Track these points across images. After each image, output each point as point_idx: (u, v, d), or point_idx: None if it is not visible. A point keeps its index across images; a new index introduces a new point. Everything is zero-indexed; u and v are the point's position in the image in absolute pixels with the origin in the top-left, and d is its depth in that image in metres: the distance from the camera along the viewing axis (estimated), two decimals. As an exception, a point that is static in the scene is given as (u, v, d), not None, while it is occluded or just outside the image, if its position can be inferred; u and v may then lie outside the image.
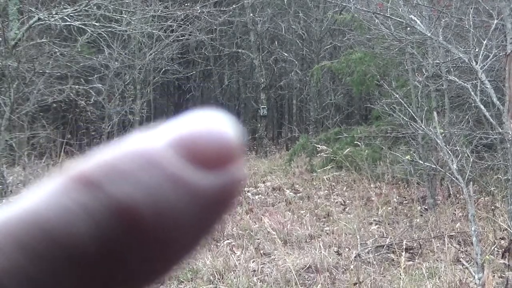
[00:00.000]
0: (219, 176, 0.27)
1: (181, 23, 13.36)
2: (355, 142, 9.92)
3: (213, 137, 0.28)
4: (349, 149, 8.97)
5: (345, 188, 9.51)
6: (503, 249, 4.78)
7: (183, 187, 0.27)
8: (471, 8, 6.00)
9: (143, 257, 0.26)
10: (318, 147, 7.59)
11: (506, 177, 6.05)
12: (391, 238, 6.14)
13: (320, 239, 6.29)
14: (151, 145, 0.27)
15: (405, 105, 6.29)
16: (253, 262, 5.53)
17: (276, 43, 17.68)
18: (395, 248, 5.56)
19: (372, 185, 8.81)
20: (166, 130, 0.28)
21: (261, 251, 5.90)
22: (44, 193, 0.27)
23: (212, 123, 0.28)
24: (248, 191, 9.32)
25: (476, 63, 4.95)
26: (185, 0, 14.19)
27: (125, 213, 0.26)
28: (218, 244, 6.16)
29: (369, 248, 5.86)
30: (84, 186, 0.26)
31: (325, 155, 8.74)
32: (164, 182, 0.26)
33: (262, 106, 16.24)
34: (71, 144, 12.62)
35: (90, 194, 0.26)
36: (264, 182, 10.24)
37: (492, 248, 5.39)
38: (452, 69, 7.34)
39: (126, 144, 0.27)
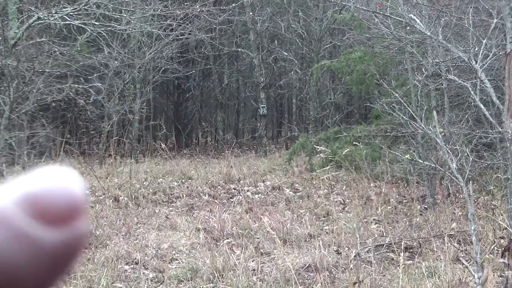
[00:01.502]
0: (62, 232, 0.28)
1: (181, 22, 13.36)
2: (356, 141, 9.93)
3: (58, 195, 0.29)
4: (348, 149, 8.97)
5: (344, 187, 9.51)
6: (503, 248, 4.78)
7: (27, 242, 0.27)
8: (471, 7, 6.00)
9: None
10: (317, 148, 7.59)
11: (505, 176, 6.05)
12: (390, 237, 6.14)
13: (319, 238, 6.29)
14: None
15: (404, 104, 6.29)
16: (252, 261, 5.53)
17: (275, 42, 17.67)
18: (394, 247, 5.57)
19: (371, 184, 8.81)
20: (14, 186, 0.29)
21: (261, 250, 5.89)
22: None
23: (58, 180, 0.29)
24: (248, 190, 9.33)
25: (476, 62, 4.95)
26: (185, -1, 14.17)
27: None
28: (218, 243, 6.16)
29: (369, 247, 5.86)
30: None
31: (323, 155, 8.74)
32: (10, 238, 0.27)
33: (262, 105, 16.24)
34: (71, 143, 12.62)
35: None
36: (263, 182, 10.24)
37: (492, 247, 5.39)
38: (451, 68, 7.34)
39: None
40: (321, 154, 8.76)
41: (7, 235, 0.27)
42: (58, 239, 0.28)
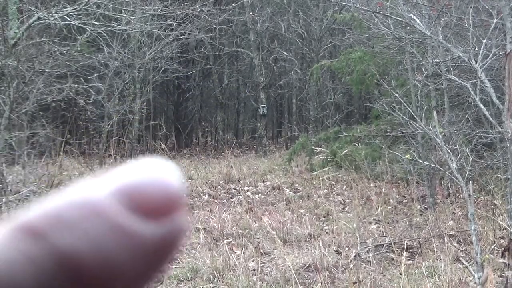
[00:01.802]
0: (161, 226, 0.28)
1: (181, 22, 13.36)
2: (356, 141, 9.94)
3: (156, 187, 0.28)
4: (348, 149, 8.98)
5: (344, 187, 9.51)
6: (503, 248, 4.78)
7: (126, 236, 0.27)
8: (471, 7, 6.00)
9: None
10: (316, 149, 7.60)
11: (505, 176, 6.05)
12: (390, 237, 6.14)
13: (319, 238, 6.29)
14: (95, 194, 0.27)
15: (404, 104, 6.29)
16: (252, 261, 5.53)
17: (275, 42, 17.67)
18: (394, 247, 5.57)
19: (371, 184, 8.81)
20: (110, 179, 0.28)
21: (261, 250, 5.89)
22: None
23: (155, 172, 0.29)
24: (248, 190, 9.33)
25: (476, 62, 4.95)
26: (185, -1, 14.17)
27: (69, 263, 0.26)
28: (218, 243, 6.16)
29: (369, 247, 5.86)
30: (29, 236, 0.26)
31: (322, 156, 8.75)
32: (107, 232, 0.27)
33: (262, 105, 16.23)
34: (71, 143, 12.62)
35: (34, 243, 0.26)
36: (263, 182, 10.24)
37: (492, 247, 5.39)
38: (451, 68, 7.34)
39: (70, 193, 0.28)
40: (320, 155, 8.76)
41: (105, 229, 0.27)
42: (157, 232, 0.27)
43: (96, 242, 0.26)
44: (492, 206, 6.99)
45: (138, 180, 0.28)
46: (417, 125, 5.52)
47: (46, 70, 10.14)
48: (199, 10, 13.11)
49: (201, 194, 9.00)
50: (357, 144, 9.51)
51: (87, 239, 0.26)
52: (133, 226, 0.27)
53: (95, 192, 0.28)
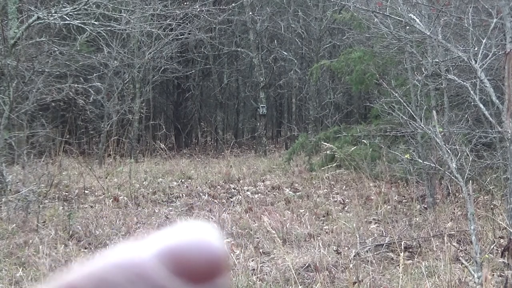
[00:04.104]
0: None
1: (180, 21, 13.37)
2: (356, 141, 9.93)
3: (199, 250, 0.28)
4: (353, 148, 8.98)
5: (344, 187, 9.51)
6: (502, 248, 4.78)
7: None
8: (471, 7, 6.00)
9: None
10: (325, 145, 7.59)
11: (505, 176, 6.05)
12: (390, 237, 6.14)
13: (319, 238, 6.29)
14: (139, 256, 0.27)
15: (404, 104, 6.29)
16: (252, 261, 5.53)
17: (275, 42, 17.67)
18: (394, 247, 5.57)
19: (371, 184, 8.81)
20: (154, 241, 0.28)
21: (261, 250, 5.90)
22: None
23: (198, 235, 0.29)
24: (247, 190, 9.33)
25: (476, 62, 4.95)
26: (184, -1, 14.17)
27: None
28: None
29: (368, 247, 5.86)
30: None
31: (329, 152, 8.73)
32: None
33: (262, 105, 16.23)
34: (70, 143, 12.62)
35: None
36: (263, 181, 10.24)
37: (491, 247, 5.39)
38: (451, 68, 7.34)
39: (114, 255, 0.27)
40: (324, 152, 8.74)
41: None
42: None
43: None
44: (491, 206, 6.99)
45: (182, 243, 0.28)
46: (417, 124, 5.52)
47: (46, 70, 10.14)
48: (198, 9, 13.11)
49: (201, 194, 9.00)
50: (361, 143, 9.51)
51: None
52: None
53: (139, 254, 0.27)
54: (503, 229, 5.91)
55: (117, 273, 0.27)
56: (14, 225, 6.57)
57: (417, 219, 7.10)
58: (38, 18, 9.27)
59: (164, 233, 0.29)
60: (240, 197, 8.40)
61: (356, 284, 4.68)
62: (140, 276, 0.27)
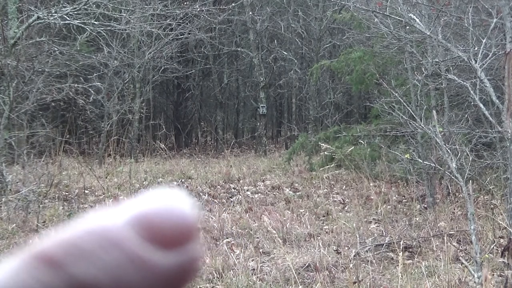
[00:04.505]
0: (177, 255, 0.28)
1: (181, 21, 13.37)
2: (356, 140, 9.93)
3: (171, 216, 0.28)
4: (352, 148, 8.97)
5: (344, 186, 9.51)
6: (502, 248, 4.78)
7: (143, 266, 0.27)
8: (471, 7, 6.00)
9: None
10: (323, 146, 7.59)
11: (505, 176, 6.05)
12: (390, 236, 6.14)
13: (319, 237, 6.29)
14: (112, 223, 0.28)
15: (404, 103, 6.29)
16: (252, 261, 5.53)
17: (275, 41, 17.67)
18: (394, 247, 5.57)
19: (371, 184, 8.81)
20: (126, 208, 0.29)
21: (261, 250, 5.90)
22: (6, 271, 0.27)
23: (170, 202, 0.29)
24: (247, 190, 9.33)
25: (476, 61, 4.95)
26: (184, -1, 14.17)
27: None
28: (218, 243, 6.16)
29: (368, 247, 5.86)
30: (46, 264, 0.27)
31: (327, 153, 8.73)
32: (124, 261, 0.27)
33: (262, 105, 16.23)
34: (70, 143, 12.62)
35: (52, 273, 0.26)
36: (263, 181, 10.24)
37: (491, 246, 5.39)
38: (451, 68, 7.34)
39: (87, 222, 0.28)
40: (324, 152, 8.75)
41: (122, 258, 0.27)
42: (172, 262, 0.28)
43: (113, 271, 0.27)
44: (491, 206, 6.99)
45: (154, 210, 0.28)
46: (417, 124, 5.52)
47: (46, 70, 10.14)
48: (198, 9, 13.11)
49: (201, 194, 9.00)
50: (361, 143, 9.51)
51: (104, 269, 0.26)
52: (149, 255, 0.27)
53: (111, 221, 0.28)
54: (503, 229, 5.91)
55: (90, 240, 0.27)
56: (14, 225, 6.57)
57: (417, 219, 7.10)
58: (38, 18, 9.27)
59: (136, 200, 0.29)
60: (240, 197, 8.40)
61: (356, 284, 4.68)
62: (112, 242, 0.27)
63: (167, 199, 0.29)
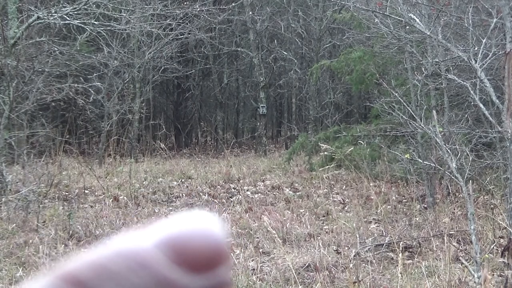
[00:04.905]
0: (206, 279, 0.28)
1: (180, 21, 13.37)
2: (356, 140, 9.93)
3: (201, 240, 0.28)
4: (351, 148, 8.97)
5: (344, 186, 9.51)
6: (502, 248, 4.78)
7: None
8: (471, 7, 6.00)
9: None
10: (322, 146, 7.59)
11: (505, 176, 6.05)
12: (390, 236, 6.14)
13: (319, 237, 6.29)
14: (140, 245, 0.27)
15: (404, 103, 6.29)
16: (252, 260, 5.53)
17: (275, 41, 17.67)
18: (394, 247, 5.57)
19: (371, 184, 8.81)
20: (155, 230, 0.28)
21: (261, 250, 5.90)
22: None
23: (200, 225, 0.29)
24: (247, 190, 9.33)
25: (476, 61, 4.95)
26: (184, -1, 14.17)
27: None
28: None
29: (368, 247, 5.86)
30: (73, 286, 0.26)
31: (327, 153, 8.74)
32: (153, 284, 0.27)
33: (262, 105, 16.23)
34: (70, 143, 12.62)
35: None
36: (263, 181, 10.24)
37: (491, 246, 5.39)
38: (451, 68, 7.34)
39: (114, 244, 0.28)
40: (325, 152, 8.75)
41: (149, 280, 0.26)
42: (200, 286, 0.27)
43: None
44: (491, 206, 6.99)
45: (183, 233, 0.28)
46: (417, 124, 5.52)
47: (46, 70, 10.14)
48: (198, 9, 13.11)
49: (201, 194, 9.00)
50: (361, 143, 9.52)
51: None
52: (178, 279, 0.27)
53: (140, 243, 0.27)
54: (503, 229, 5.91)
55: (118, 262, 0.27)
56: (14, 225, 6.57)
57: (417, 219, 7.10)
58: (38, 18, 9.27)
59: (166, 223, 0.29)
60: (240, 197, 8.40)
61: (356, 284, 4.68)
62: (141, 264, 0.27)
63: (197, 222, 0.29)
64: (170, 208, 8.13)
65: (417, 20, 5.81)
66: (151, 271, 0.27)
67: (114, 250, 0.27)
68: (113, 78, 13.50)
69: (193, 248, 0.28)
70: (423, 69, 7.71)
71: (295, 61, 16.78)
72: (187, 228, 0.28)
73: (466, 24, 5.79)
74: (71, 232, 6.43)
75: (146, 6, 12.22)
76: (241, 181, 10.18)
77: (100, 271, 0.26)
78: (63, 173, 9.87)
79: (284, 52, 16.98)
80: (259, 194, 9.09)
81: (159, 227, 0.28)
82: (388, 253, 5.77)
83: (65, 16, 9.53)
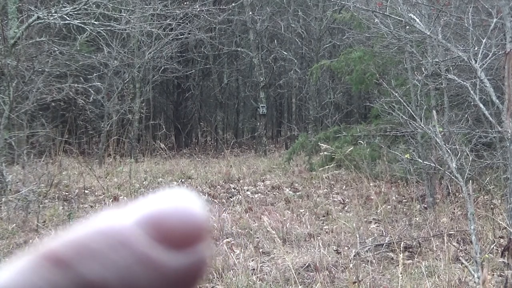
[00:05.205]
0: (186, 256, 0.28)
1: (180, 21, 13.37)
2: (356, 140, 9.93)
3: (181, 217, 0.28)
4: (351, 148, 8.97)
5: (344, 186, 9.51)
6: (502, 248, 4.78)
7: (151, 266, 0.27)
8: (471, 7, 6.00)
9: None
10: (322, 146, 7.59)
11: (505, 176, 6.05)
12: (390, 236, 6.14)
13: (319, 237, 6.29)
14: (121, 223, 0.28)
15: (404, 103, 6.29)
16: (252, 260, 5.53)
17: (275, 41, 17.67)
18: (394, 247, 5.57)
19: (371, 184, 8.81)
20: (135, 208, 0.28)
21: (261, 250, 5.90)
22: (14, 271, 0.27)
23: (180, 202, 0.29)
24: (247, 190, 9.33)
25: (476, 61, 4.95)
26: (184, -1, 14.17)
27: None
28: (217, 243, 6.16)
29: (368, 247, 5.86)
30: (55, 264, 0.26)
31: (327, 153, 8.74)
32: (133, 261, 0.27)
33: (262, 105, 16.23)
34: (70, 143, 12.62)
35: (60, 273, 0.26)
36: (263, 181, 10.24)
37: (491, 246, 5.39)
38: (451, 68, 7.34)
39: (96, 222, 0.28)
40: (325, 152, 8.75)
41: (131, 258, 0.27)
42: (181, 263, 0.28)
43: (121, 271, 0.27)
44: (491, 206, 6.99)
45: (163, 210, 0.28)
46: (417, 124, 5.52)
47: (46, 70, 10.14)
48: (198, 9, 13.11)
49: (201, 194, 9.00)
50: (361, 143, 9.51)
51: (113, 269, 0.26)
52: (158, 256, 0.27)
53: (120, 221, 0.28)
54: (503, 229, 5.91)
55: (99, 240, 0.27)
56: (14, 225, 6.57)
57: (417, 219, 7.10)
58: (38, 18, 9.27)
59: (145, 201, 0.29)
60: (240, 197, 8.40)
61: (356, 284, 4.68)
62: (122, 242, 0.27)
63: (177, 200, 0.29)
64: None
65: (417, 20, 5.81)
66: (132, 249, 0.27)
67: (95, 228, 0.27)
68: (113, 78, 13.50)
69: (173, 225, 0.28)
70: (423, 69, 7.71)
71: (295, 61, 16.79)
72: (167, 205, 0.28)
73: (466, 24, 5.79)
74: (71, 232, 6.43)
75: (146, 6, 12.22)
76: (241, 181, 10.18)
77: (81, 250, 0.27)
78: (63, 173, 9.87)
79: (284, 52, 16.98)
80: (259, 194, 9.09)
81: (139, 205, 0.29)
82: (388, 253, 5.77)
83: (65, 16, 9.53)
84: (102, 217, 0.28)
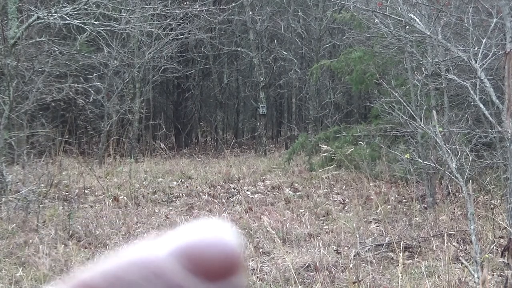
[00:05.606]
0: (220, 287, 0.28)
1: (180, 21, 13.37)
2: (356, 140, 9.93)
3: (215, 248, 0.28)
4: (351, 148, 8.97)
5: (344, 186, 9.51)
6: (502, 248, 4.78)
7: None
8: (471, 7, 6.00)
9: None
10: (323, 147, 7.59)
11: (505, 176, 6.05)
12: (390, 236, 6.14)
13: (319, 237, 6.29)
14: (155, 254, 0.27)
15: (404, 103, 6.29)
16: (252, 261, 5.53)
17: (275, 41, 17.67)
18: (394, 247, 5.57)
19: (371, 184, 8.81)
20: (169, 239, 0.28)
21: (261, 250, 5.90)
22: None
23: (214, 233, 0.28)
24: (247, 190, 9.33)
25: (476, 61, 4.95)
26: (184, -1, 14.17)
27: None
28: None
29: (368, 247, 5.86)
30: None
31: (327, 154, 8.74)
32: None
33: (262, 105, 16.23)
34: (70, 143, 12.62)
35: None
36: (263, 181, 10.24)
37: (491, 246, 5.40)
38: (451, 68, 7.33)
39: (129, 253, 0.27)
40: (324, 153, 8.75)
41: None
42: None
43: None
44: (491, 206, 6.99)
45: (197, 241, 0.28)
46: (417, 124, 5.52)
47: (46, 70, 10.14)
48: (198, 9, 13.11)
49: (201, 194, 9.00)
50: (361, 143, 9.52)
51: None
52: (193, 287, 0.27)
53: (154, 252, 0.27)
54: (503, 229, 5.91)
55: (133, 271, 0.26)
56: (14, 225, 6.57)
57: (417, 219, 7.10)
58: (38, 18, 9.26)
59: (180, 231, 0.28)
60: (240, 197, 8.40)
61: (356, 284, 4.68)
62: (156, 274, 0.26)
63: (211, 230, 0.28)
64: (170, 208, 8.13)
65: (417, 20, 5.81)
66: (166, 280, 0.26)
67: (128, 259, 0.27)
68: (113, 78, 13.50)
69: (207, 257, 0.27)
70: (423, 69, 7.71)
71: (295, 61, 16.78)
72: (202, 236, 0.28)
73: (466, 24, 5.79)
74: (71, 232, 6.43)
75: (146, 6, 12.22)
76: (241, 181, 10.18)
77: (114, 281, 0.26)
78: (63, 173, 9.87)
79: (284, 52, 16.98)
80: (259, 194, 9.09)
81: (173, 235, 0.28)
82: (388, 253, 5.77)
83: (65, 16, 9.53)
84: (135, 248, 0.28)
